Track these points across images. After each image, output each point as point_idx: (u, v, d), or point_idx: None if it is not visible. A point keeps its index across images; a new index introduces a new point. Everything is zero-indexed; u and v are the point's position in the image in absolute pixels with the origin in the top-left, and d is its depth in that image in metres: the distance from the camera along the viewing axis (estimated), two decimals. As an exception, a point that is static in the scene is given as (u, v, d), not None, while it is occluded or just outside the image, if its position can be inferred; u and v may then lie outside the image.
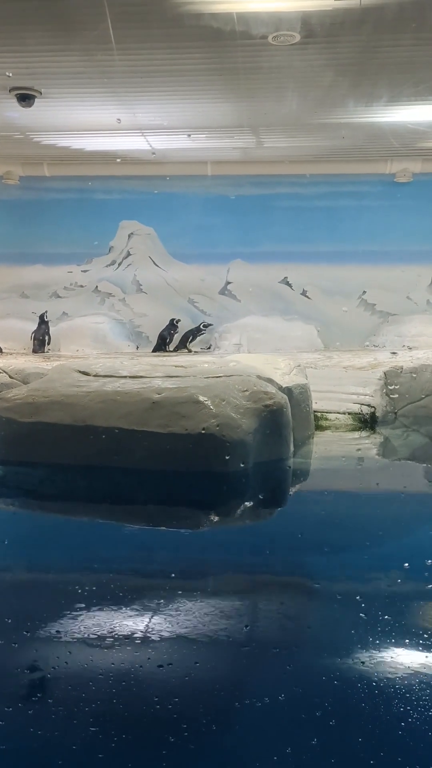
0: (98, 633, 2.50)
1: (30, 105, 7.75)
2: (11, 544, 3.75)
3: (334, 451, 5.80)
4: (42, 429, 4.90)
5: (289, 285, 11.61)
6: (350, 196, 11.30)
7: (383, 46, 6.34)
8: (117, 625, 2.56)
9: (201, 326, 11.16)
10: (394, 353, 8.06)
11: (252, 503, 4.46)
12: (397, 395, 6.97)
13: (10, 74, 7.01)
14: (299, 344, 10.65)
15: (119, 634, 2.48)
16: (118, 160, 10.46)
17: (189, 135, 9.30)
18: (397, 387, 7.00)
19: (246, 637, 2.52)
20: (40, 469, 4.81)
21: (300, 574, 3.26)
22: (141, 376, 5.48)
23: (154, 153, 10.17)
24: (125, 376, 5.48)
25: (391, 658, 2.31)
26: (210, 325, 11.19)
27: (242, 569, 3.29)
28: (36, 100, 7.70)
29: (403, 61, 6.71)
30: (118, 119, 8.44)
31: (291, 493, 4.79)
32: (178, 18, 5.76)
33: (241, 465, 4.57)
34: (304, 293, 11.59)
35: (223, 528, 4.05)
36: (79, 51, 6.51)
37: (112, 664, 2.26)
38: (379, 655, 2.34)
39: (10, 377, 7.07)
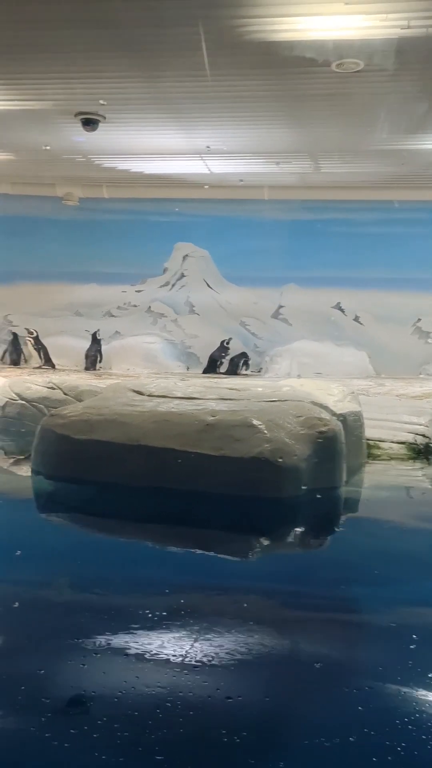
0: (164, 659, 2.46)
1: (94, 129, 7.94)
2: (58, 560, 3.74)
3: (388, 481, 5.68)
4: (96, 447, 4.93)
5: (342, 310, 11.55)
6: (404, 222, 11.22)
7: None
8: (187, 653, 2.51)
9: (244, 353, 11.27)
10: None
11: (310, 531, 4.38)
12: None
13: (104, 102, 7.21)
14: (351, 370, 10.55)
15: (189, 661, 2.44)
16: (206, 186, 10.54)
17: (278, 163, 9.37)
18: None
19: (319, 673, 2.44)
20: (93, 487, 4.83)
21: (362, 611, 3.17)
22: (195, 398, 5.49)
23: (241, 180, 10.23)
24: (179, 397, 5.49)
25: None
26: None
27: (296, 600, 3.22)
28: (100, 124, 7.89)
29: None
30: (208, 146, 8.57)
31: (346, 522, 4.70)
32: (241, 45, 5.83)
33: (294, 491, 4.51)
34: (356, 319, 11.51)
35: (282, 556, 3.98)
36: (143, 77, 6.65)
37: (180, 692, 2.23)
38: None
39: (65, 393, 7.16)
